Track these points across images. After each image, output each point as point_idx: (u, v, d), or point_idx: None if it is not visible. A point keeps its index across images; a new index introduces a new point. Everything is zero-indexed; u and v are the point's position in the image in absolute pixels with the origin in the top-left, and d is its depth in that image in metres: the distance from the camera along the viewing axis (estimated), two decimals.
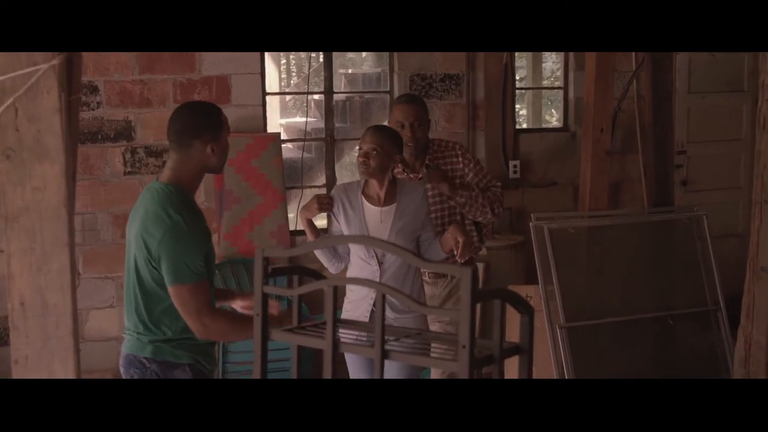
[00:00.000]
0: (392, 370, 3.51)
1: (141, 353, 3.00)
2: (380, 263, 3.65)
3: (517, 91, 6.38)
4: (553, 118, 9.49)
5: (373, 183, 3.72)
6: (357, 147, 3.72)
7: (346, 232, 3.71)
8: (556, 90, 7.64)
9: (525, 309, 1.73)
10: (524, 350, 1.75)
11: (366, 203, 3.75)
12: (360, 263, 3.69)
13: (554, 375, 4.20)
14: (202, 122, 3.02)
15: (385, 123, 4.30)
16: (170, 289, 2.92)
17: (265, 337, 1.88)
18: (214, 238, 5.05)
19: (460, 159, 4.25)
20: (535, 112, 8.41)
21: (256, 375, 1.91)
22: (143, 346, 3.00)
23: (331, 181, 5.86)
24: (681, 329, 4.84)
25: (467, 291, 1.56)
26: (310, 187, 6.23)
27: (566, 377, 4.17)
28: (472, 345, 1.56)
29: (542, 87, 7.81)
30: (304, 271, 2.01)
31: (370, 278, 3.58)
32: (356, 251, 3.70)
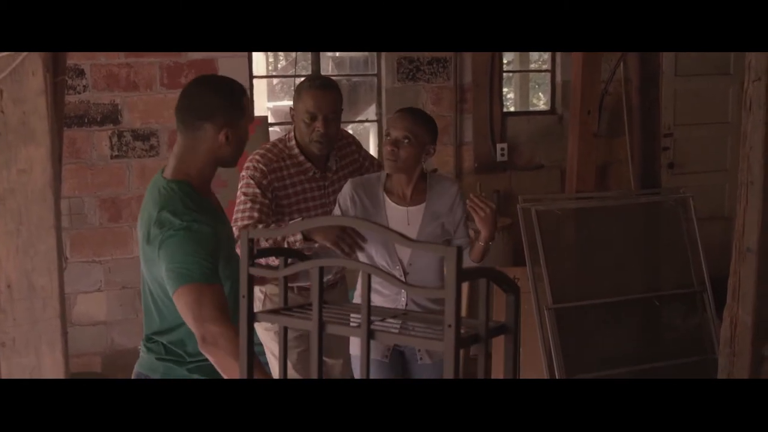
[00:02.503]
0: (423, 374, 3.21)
1: (152, 374, 2.61)
2: (405, 272, 3.15)
3: (504, 74, 6.38)
4: (541, 102, 9.48)
5: (400, 177, 3.17)
6: (384, 133, 3.16)
7: (366, 231, 3.12)
8: (543, 73, 7.63)
9: (510, 288, 1.73)
10: (510, 329, 1.75)
11: (389, 201, 3.18)
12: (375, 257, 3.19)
13: (542, 356, 4.22)
14: (220, 101, 2.53)
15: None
16: (174, 297, 2.45)
17: (251, 320, 1.88)
18: None
19: (355, 148, 3.70)
20: (522, 95, 8.41)
21: (243, 359, 1.90)
22: (155, 365, 2.61)
23: None
24: (667, 310, 4.87)
25: (452, 270, 1.56)
26: None
27: (553, 358, 4.19)
28: (458, 324, 1.57)
29: (529, 70, 7.81)
30: (291, 252, 2.01)
31: (392, 292, 3.16)
32: (378, 259, 3.16)
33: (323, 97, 3.34)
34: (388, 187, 3.19)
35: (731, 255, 3.13)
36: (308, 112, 3.33)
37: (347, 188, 3.22)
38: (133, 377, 2.70)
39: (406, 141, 3.06)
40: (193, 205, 2.51)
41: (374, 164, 3.72)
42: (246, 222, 3.28)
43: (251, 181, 3.35)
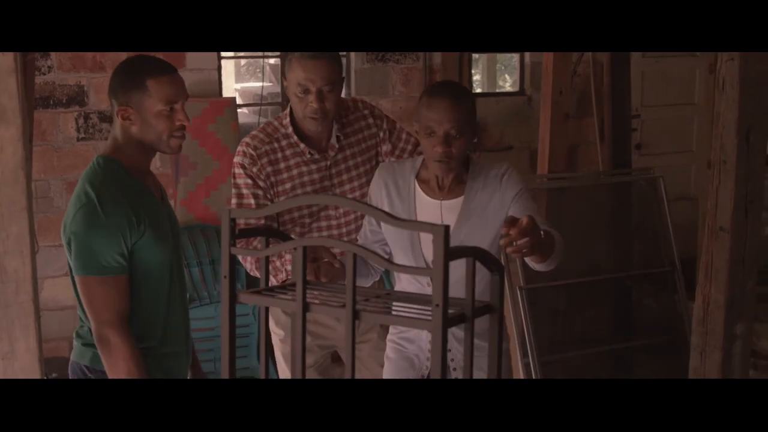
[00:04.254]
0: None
1: (81, 360, 2.60)
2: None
3: (472, 55, 6.39)
4: (507, 83, 9.52)
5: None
6: (417, 124, 2.60)
7: (388, 233, 2.72)
8: (509, 55, 7.65)
9: (496, 267, 1.73)
10: (495, 309, 1.75)
11: (420, 192, 2.67)
12: (408, 277, 2.74)
13: (514, 336, 4.23)
14: (117, 78, 2.52)
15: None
16: (77, 280, 2.50)
17: (233, 300, 1.86)
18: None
19: (372, 120, 3.18)
20: (489, 76, 8.44)
21: (224, 339, 1.88)
22: (83, 351, 2.60)
23: None
24: (639, 290, 4.91)
25: (439, 249, 1.55)
26: None
27: (526, 338, 4.21)
28: (446, 303, 1.56)
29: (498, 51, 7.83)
30: (272, 232, 1.99)
31: (420, 292, 2.55)
32: (401, 261, 2.66)
33: (315, 67, 2.90)
34: (423, 175, 2.67)
35: (698, 235, 3.16)
36: (299, 85, 2.92)
37: (375, 175, 2.77)
38: (69, 368, 2.67)
39: (456, 135, 2.54)
40: (116, 182, 2.50)
41: (402, 138, 3.21)
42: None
43: (240, 171, 3.02)
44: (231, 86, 8.69)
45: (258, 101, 6.09)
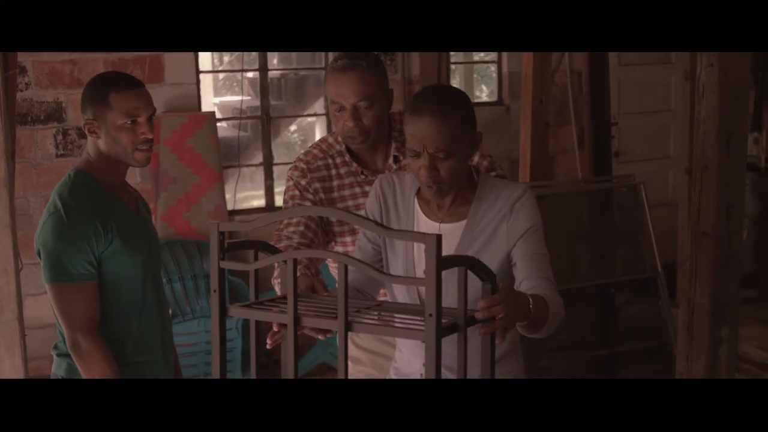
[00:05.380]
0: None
1: (58, 371, 2.60)
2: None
3: (450, 65, 6.40)
4: (483, 93, 9.55)
5: None
6: (407, 150, 2.21)
7: (384, 250, 2.37)
8: (486, 65, 7.66)
9: (487, 276, 1.73)
10: (487, 318, 1.74)
11: (420, 213, 2.32)
12: (402, 292, 2.37)
13: None
14: (85, 94, 2.60)
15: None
16: (47, 288, 2.55)
17: (223, 314, 1.85)
18: None
19: None
20: (466, 86, 8.46)
21: (215, 353, 1.87)
22: (59, 362, 2.60)
23: (268, 160, 5.81)
24: (622, 297, 4.93)
25: (432, 258, 1.55)
26: (247, 165, 6.17)
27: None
28: (439, 313, 1.55)
29: (477, 61, 7.85)
30: (261, 245, 1.98)
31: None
32: (396, 292, 2.32)
33: (346, 81, 2.58)
34: (424, 193, 2.29)
35: (677, 241, 3.17)
36: (333, 102, 2.63)
37: (374, 187, 2.43)
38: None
39: (444, 155, 2.14)
40: (84, 192, 2.54)
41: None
42: (283, 228, 2.67)
43: (290, 183, 2.80)
44: (210, 100, 8.67)
45: (237, 115, 6.07)
